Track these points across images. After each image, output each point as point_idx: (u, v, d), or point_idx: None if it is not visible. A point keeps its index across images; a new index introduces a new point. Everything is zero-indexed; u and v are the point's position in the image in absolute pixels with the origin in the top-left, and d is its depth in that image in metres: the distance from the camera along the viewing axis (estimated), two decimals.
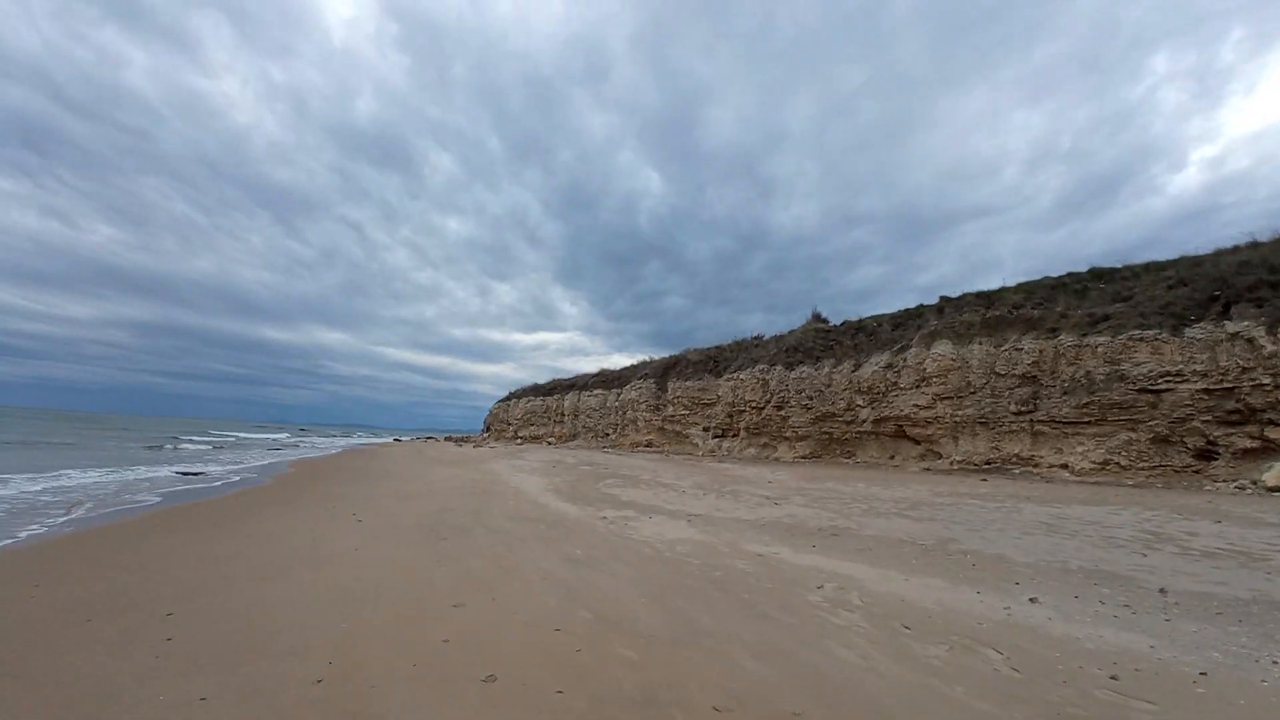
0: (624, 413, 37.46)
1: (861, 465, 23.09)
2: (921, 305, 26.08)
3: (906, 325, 25.25)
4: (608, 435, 39.46)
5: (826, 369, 26.02)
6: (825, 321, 30.05)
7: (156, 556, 7.11)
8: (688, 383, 32.77)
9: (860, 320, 27.66)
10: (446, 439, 58.09)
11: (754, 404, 28.37)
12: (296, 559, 7.04)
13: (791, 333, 29.45)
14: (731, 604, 5.36)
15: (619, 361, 45.22)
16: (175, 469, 19.28)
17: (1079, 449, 17.85)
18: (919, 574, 6.31)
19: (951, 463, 20.70)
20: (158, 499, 12.25)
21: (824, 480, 14.89)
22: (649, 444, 34.55)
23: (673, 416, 33.24)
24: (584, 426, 42.25)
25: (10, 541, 7.85)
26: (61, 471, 16.22)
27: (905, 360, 22.66)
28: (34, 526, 8.90)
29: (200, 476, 17.50)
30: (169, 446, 32.50)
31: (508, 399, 56.01)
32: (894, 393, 23.03)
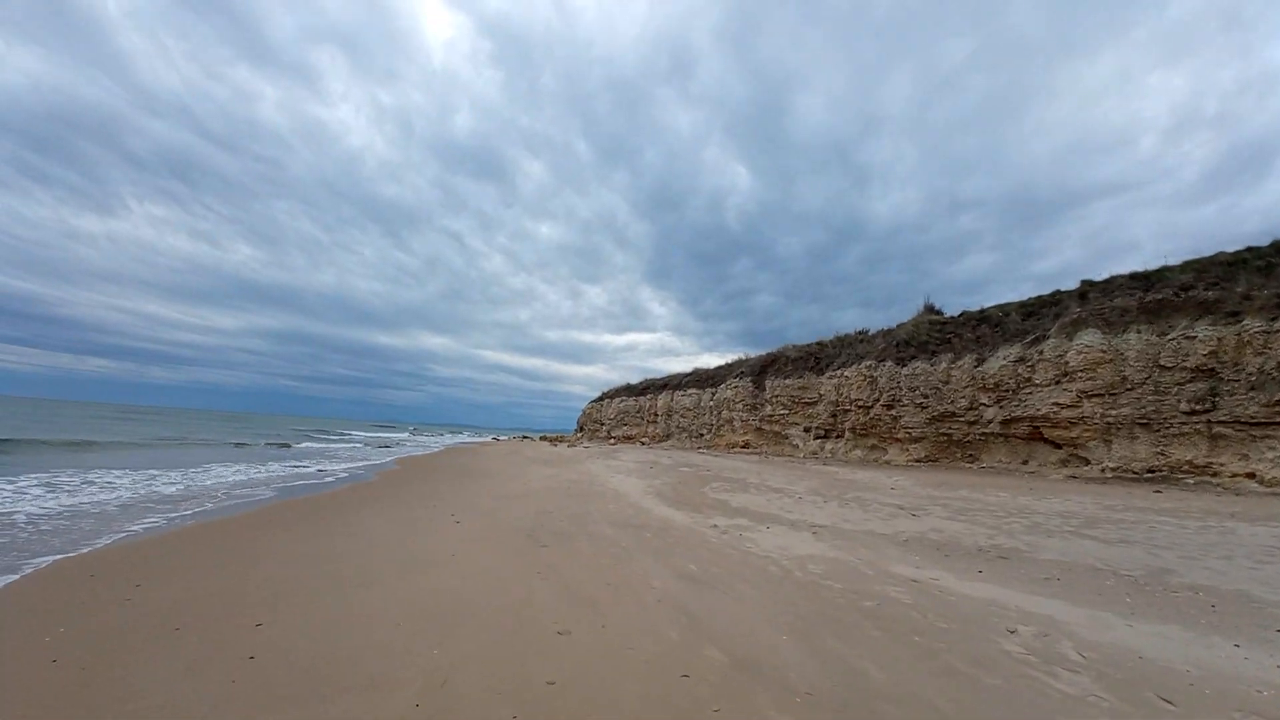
0: (719, 412, 36.20)
1: (989, 471, 20.69)
2: (1058, 291, 23.09)
3: (1040, 314, 22.44)
4: (702, 436, 38.33)
5: (944, 364, 23.63)
6: (939, 313, 27.48)
7: (258, 556, 6.85)
8: (786, 381, 31.07)
9: (982, 310, 24.94)
10: (541, 438, 59.12)
11: (861, 403, 26.33)
12: (390, 563, 6.54)
13: (902, 326, 27.11)
14: (902, 649, 4.19)
15: (709, 361, 43.88)
16: (292, 465, 20.20)
17: (1269, 455, 14.90)
18: (1143, 618, 4.83)
19: (1103, 470, 17.99)
20: (272, 494, 12.52)
21: (955, 487, 13.12)
22: (745, 445, 33.13)
23: (771, 416, 31.65)
24: (678, 426, 41.35)
25: (123, 536, 7.93)
26: (203, 466, 17.24)
27: (1041, 353, 20.04)
28: (153, 519, 9.08)
29: (317, 473, 18.12)
30: (292, 444, 34.79)
31: (600, 399, 56.14)
32: (1026, 390, 20.44)
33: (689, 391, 40.87)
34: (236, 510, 10.26)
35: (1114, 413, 18.01)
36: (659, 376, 49.06)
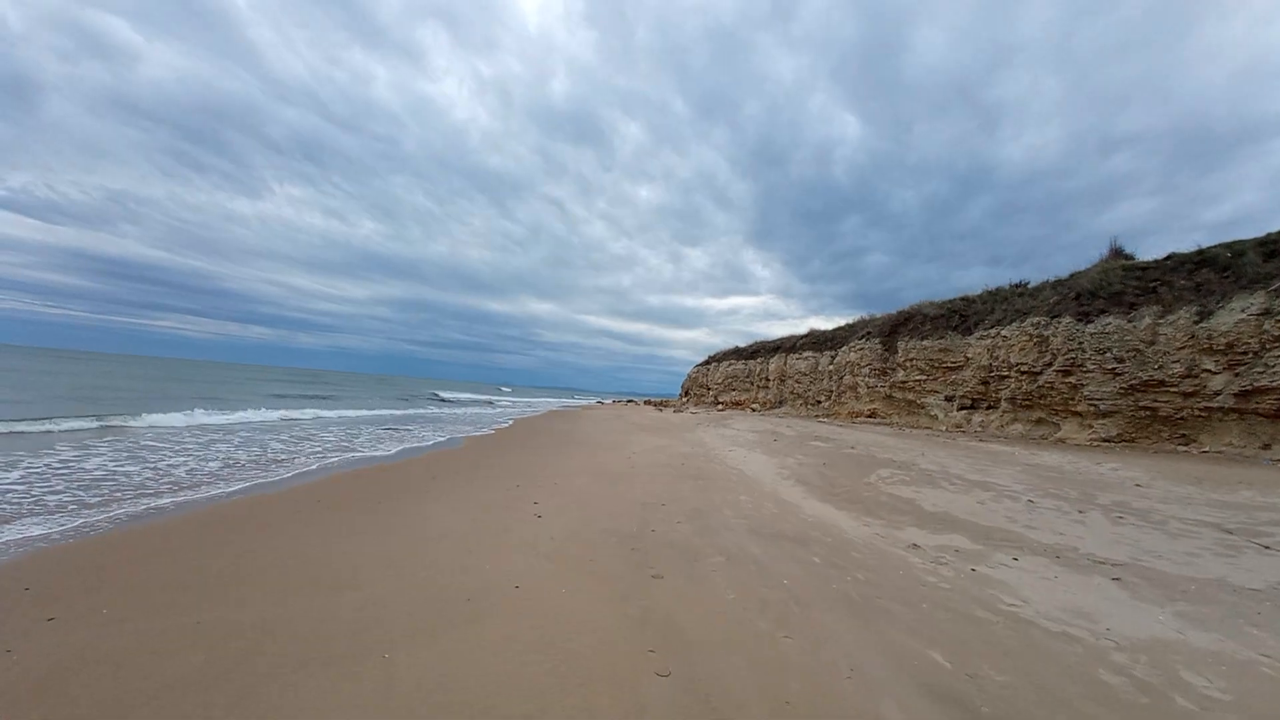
0: (840, 378, 32.18)
1: (1212, 457, 15.79)
2: None
3: None
4: (819, 403, 34.50)
5: (1148, 320, 18.49)
6: (1129, 257, 21.88)
7: (258, 569, 4.73)
8: (924, 342, 26.57)
9: (1200, 250, 19.28)
10: (646, 403, 57.37)
11: (1024, 368, 21.61)
12: (417, 602, 4.16)
13: (1084, 272, 21.85)
14: None
15: (816, 326, 39.52)
16: (378, 419, 19.14)
17: None
18: None
19: None
20: (336, 464, 10.91)
21: (1233, 486, 9.10)
22: (872, 414, 29.08)
23: (904, 382, 27.35)
24: (791, 393, 37.69)
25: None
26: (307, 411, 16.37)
27: None
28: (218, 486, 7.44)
29: (406, 430, 16.79)
30: (407, 402, 35.05)
31: (706, 363, 53.19)
32: (1274, 351, 15.22)
33: (804, 354, 36.95)
34: (283, 486, 8.54)
35: None
36: (769, 339, 45.28)
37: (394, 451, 13.01)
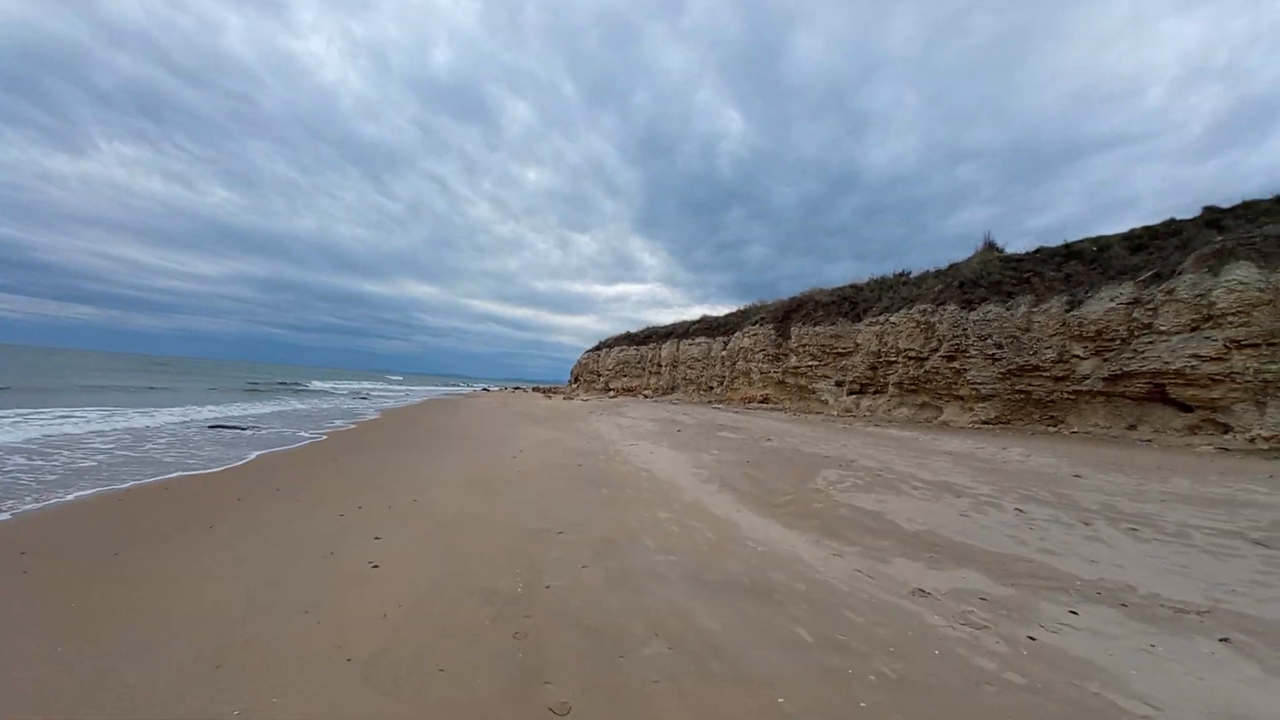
0: (733, 363, 31.65)
1: (1082, 438, 16.38)
2: (1173, 220, 18.42)
3: (1151, 247, 17.80)
4: (712, 389, 33.89)
5: (1023, 308, 19.06)
6: (1001, 250, 22.73)
7: None
8: (816, 328, 26.43)
9: (1068, 245, 20.22)
10: (534, 389, 54.66)
11: (912, 353, 21.82)
12: None
13: (965, 263, 22.38)
14: None
15: (702, 313, 39.06)
16: (211, 419, 15.40)
17: None
18: None
19: (1253, 439, 13.72)
20: (153, 468, 7.80)
21: (1163, 474, 8.68)
22: (765, 399, 28.75)
23: (796, 368, 27.13)
24: (684, 378, 36.85)
25: None
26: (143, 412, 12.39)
27: (1171, 292, 15.45)
28: None
29: (236, 430, 13.38)
30: (260, 392, 29.96)
31: (597, 348, 51.39)
32: (1144, 339, 15.96)
33: (697, 340, 36.20)
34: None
35: (1274, 367, 13.63)
36: (661, 325, 44.29)
37: (205, 459, 9.97)
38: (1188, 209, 17.94)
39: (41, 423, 12.82)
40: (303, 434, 13.75)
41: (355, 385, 52.57)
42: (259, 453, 10.54)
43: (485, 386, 71.23)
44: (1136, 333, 16.22)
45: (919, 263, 26.60)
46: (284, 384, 44.99)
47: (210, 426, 14.11)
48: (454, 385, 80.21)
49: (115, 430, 12.33)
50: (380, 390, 45.26)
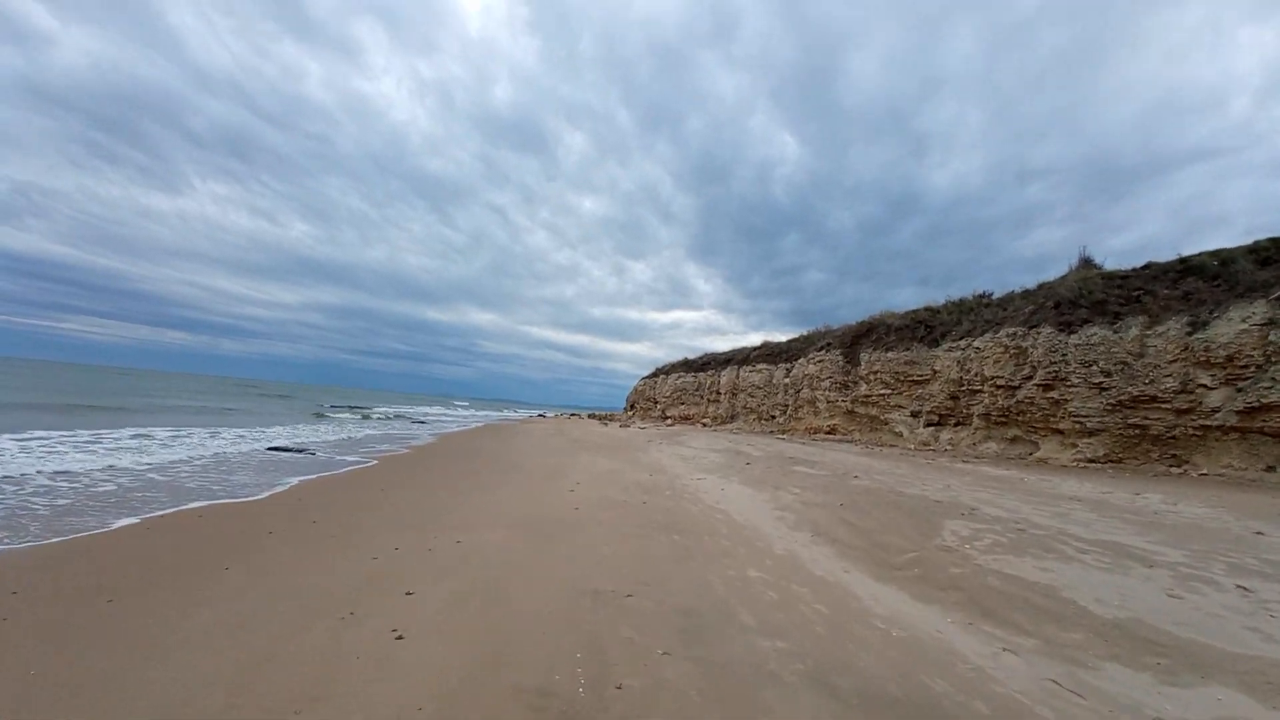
0: (797, 391, 29.98)
1: (1215, 480, 14.08)
2: None
3: None
4: (773, 418, 32.22)
5: (1135, 331, 16.90)
6: (1098, 267, 20.51)
7: None
8: (889, 354, 24.62)
9: (1184, 259, 17.97)
10: (590, 416, 54.11)
11: (1000, 381, 19.79)
12: None
13: (1061, 281, 20.31)
14: None
15: (757, 340, 37.57)
16: (272, 440, 15.21)
17: None
18: None
19: None
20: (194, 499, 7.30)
21: None
22: (832, 430, 26.94)
23: (867, 396, 25.30)
24: (744, 407, 35.31)
25: None
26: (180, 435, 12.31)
27: None
28: None
29: (292, 454, 13.05)
30: (326, 414, 30.46)
31: (653, 375, 50.43)
32: None
33: (758, 367, 34.70)
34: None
35: None
36: (719, 351, 42.99)
37: (250, 485, 9.48)
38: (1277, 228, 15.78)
39: (114, 439, 12.86)
40: (354, 459, 13.28)
41: (418, 409, 53.45)
42: (300, 479, 9.99)
43: (541, 413, 71.38)
44: (1274, 358, 13.94)
45: (986, 286, 24.57)
46: (352, 407, 46.11)
47: (269, 449, 13.86)
48: (511, 411, 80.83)
49: (175, 452, 12.15)
50: (439, 415, 45.66)
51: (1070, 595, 4.34)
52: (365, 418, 33.59)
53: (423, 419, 36.84)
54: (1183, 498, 9.95)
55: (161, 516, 6.95)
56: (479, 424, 34.53)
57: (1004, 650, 3.55)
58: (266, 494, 8.65)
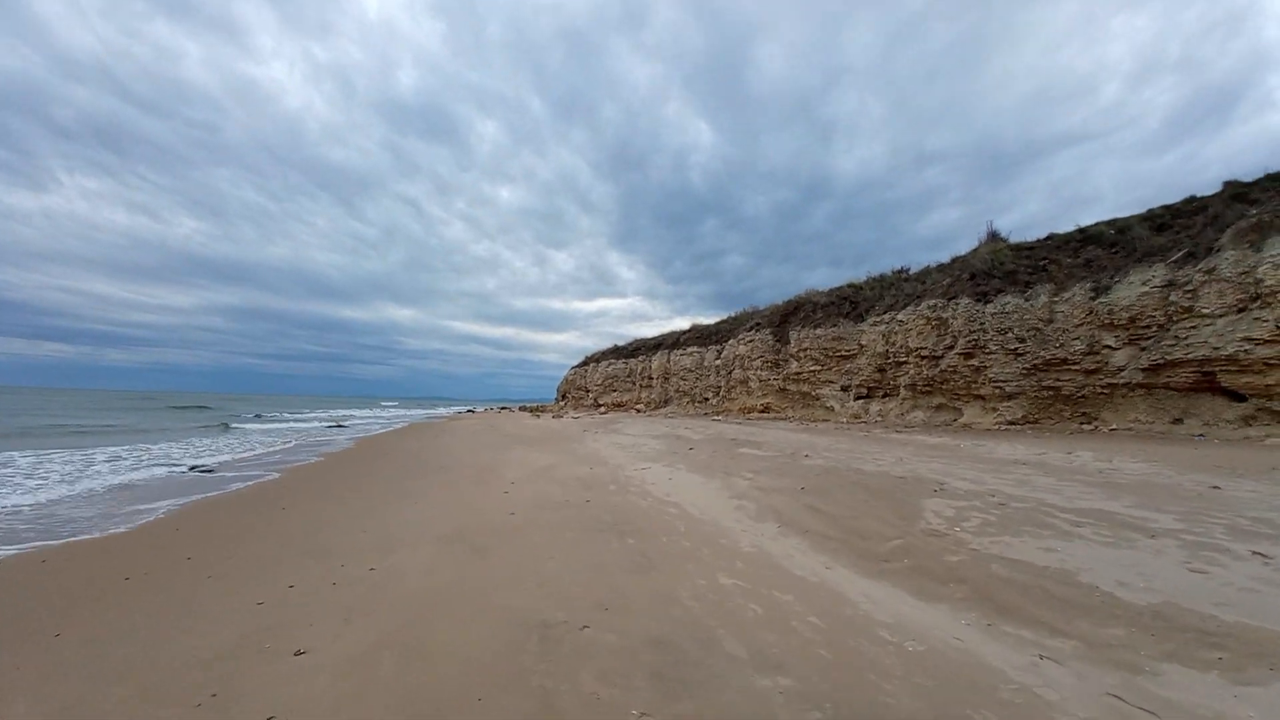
0: (729, 372, 29.88)
1: (1125, 435, 14.85)
2: (1193, 197, 17.16)
3: (1178, 226, 16.47)
4: (707, 400, 32.07)
5: (1044, 298, 17.59)
6: (1005, 240, 21.34)
7: None
8: (817, 331, 24.81)
9: (1082, 229, 18.89)
10: (521, 409, 52.46)
11: (924, 352, 20.24)
12: None
13: (974, 254, 20.94)
14: None
15: (681, 326, 37.48)
16: (160, 458, 13.18)
17: None
18: None
19: None
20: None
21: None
22: (765, 409, 27.00)
23: (798, 374, 25.44)
24: (677, 390, 34.99)
25: None
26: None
27: (1213, 272, 14.04)
28: None
29: (189, 471, 11.26)
30: (230, 424, 27.40)
31: (584, 364, 49.36)
32: (1185, 324, 14.51)
33: (689, 350, 34.43)
34: None
35: None
36: (649, 337, 42.50)
37: (115, 516, 7.93)
38: (1148, 201, 17.64)
39: None
40: (255, 473, 11.61)
41: (338, 413, 49.88)
42: (181, 502, 8.42)
43: (470, 408, 68.73)
44: (1175, 317, 14.76)
45: (892, 265, 25.46)
46: (258, 415, 42.26)
47: (149, 469, 11.92)
48: (441, 408, 77.43)
49: (35, 480, 10.08)
50: (364, 418, 42.67)
51: (1089, 579, 3.87)
52: (274, 425, 30.69)
53: (342, 423, 34.18)
54: (1114, 454, 10.17)
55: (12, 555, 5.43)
56: (403, 424, 32.37)
57: (1042, 658, 2.98)
58: (134, 525, 7.13)
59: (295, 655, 3.34)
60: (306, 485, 10.14)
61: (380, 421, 36.31)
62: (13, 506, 8.15)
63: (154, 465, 12.57)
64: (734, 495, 7.39)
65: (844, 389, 23.95)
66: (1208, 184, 17.09)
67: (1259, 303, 13.19)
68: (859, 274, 25.97)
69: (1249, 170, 16.28)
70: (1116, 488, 6.55)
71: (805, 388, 25.26)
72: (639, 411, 35.84)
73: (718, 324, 34.08)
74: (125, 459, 13.66)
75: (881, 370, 22.47)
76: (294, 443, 19.35)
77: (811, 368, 24.83)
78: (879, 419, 21.82)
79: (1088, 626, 3.39)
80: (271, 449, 17.16)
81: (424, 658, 3.28)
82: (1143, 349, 15.36)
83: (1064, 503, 5.76)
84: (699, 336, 34.61)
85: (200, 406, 54.16)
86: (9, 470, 11.35)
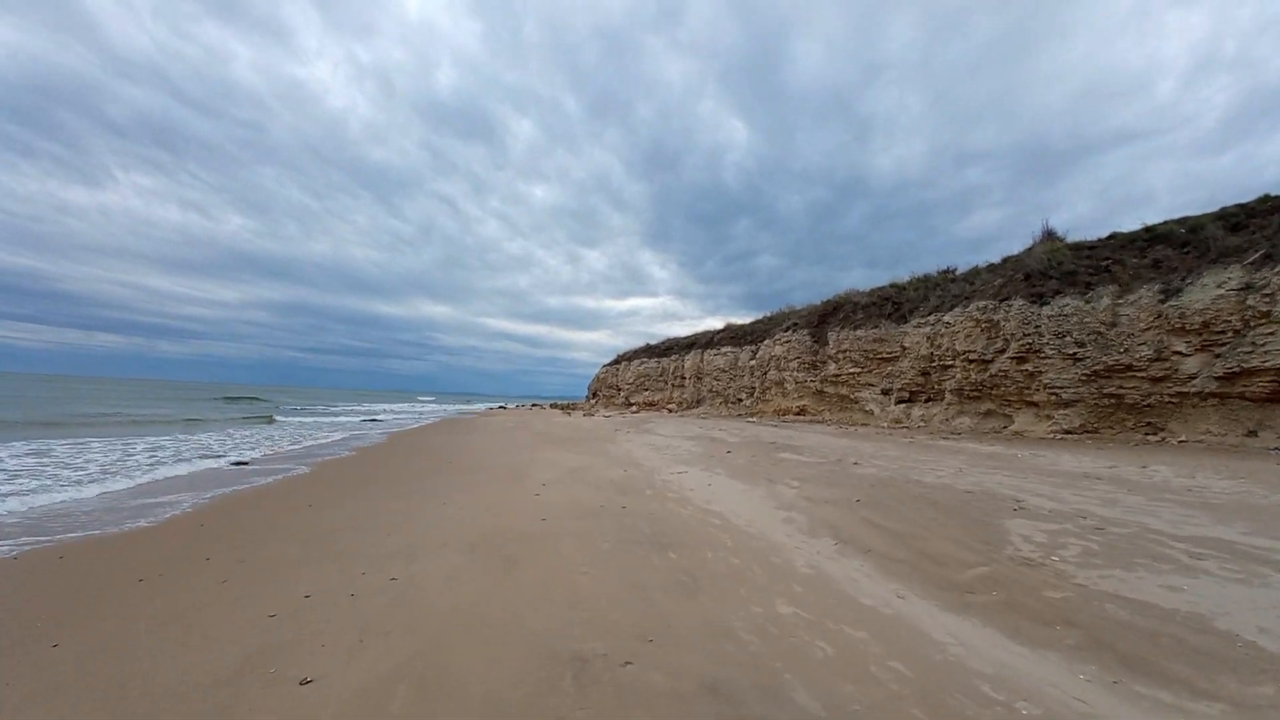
0: (764, 373, 29.09)
1: (1196, 447, 13.69)
2: (1268, 196, 15.80)
3: (1254, 226, 15.17)
4: (740, 400, 31.33)
5: (1106, 300, 16.44)
6: (1062, 239, 20.10)
7: None
8: (857, 332, 23.87)
9: (1149, 228, 17.62)
10: (552, 406, 52.45)
11: (972, 355, 19.19)
12: None
13: (1029, 253, 19.79)
14: None
15: (713, 326, 36.72)
16: (195, 449, 13.21)
17: None
18: None
19: None
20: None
21: None
22: (801, 411, 26.16)
23: (836, 376, 24.55)
24: (710, 390, 34.32)
25: None
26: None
27: None
28: None
29: (225, 462, 11.20)
30: (275, 416, 27.89)
31: (615, 362, 49.01)
32: (1262, 329, 13.31)
33: (723, 350, 33.71)
34: None
35: None
36: (681, 336, 41.89)
37: (143, 509, 7.79)
38: (1205, 204, 16.43)
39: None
40: (286, 466, 11.49)
41: (377, 406, 50.68)
42: (210, 495, 8.24)
43: (502, 405, 69.15)
44: (1253, 323, 13.56)
45: (930, 267, 24.41)
46: (298, 408, 43.12)
47: (187, 460, 11.91)
48: (476, 404, 78.22)
49: (71, 471, 10.10)
50: (400, 411, 43.15)
51: (1227, 625, 3.23)
52: (313, 419, 31.12)
53: (377, 416, 34.52)
54: (1193, 469, 9.24)
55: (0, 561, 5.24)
56: (435, 419, 32.49)
57: None
58: (159, 520, 6.93)
59: (301, 684, 2.94)
60: (337, 481, 9.92)
61: (412, 416, 36.59)
62: (63, 500, 8.09)
63: (195, 457, 12.58)
64: (781, 505, 6.82)
65: (885, 392, 22.98)
66: (1267, 185, 15.79)
67: None
68: (896, 275, 24.92)
69: None
70: (1217, 509, 5.77)
71: (844, 390, 24.35)
72: (670, 411, 35.29)
73: (752, 324, 33.29)
74: (167, 448, 13.76)
75: (925, 374, 21.46)
76: (331, 436, 19.43)
77: (851, 370, 23.91)
78: (922, 424, 20.83)
79: (1234, 685, 2.76)
80: (307, 442, 17.20)
81: (443, 693, 2.85)
82: (1217, 356, 14.16)
83: (1168, 528, 5.04)
84: (733, 336, 33.87)
85: (252, 398, 55.66)
86: (63, 460, 11.46)
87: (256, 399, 54.87)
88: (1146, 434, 15.58)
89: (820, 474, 8.71)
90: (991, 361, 18.62)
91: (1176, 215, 17.65)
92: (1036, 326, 17.40)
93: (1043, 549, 4.66)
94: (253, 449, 14.69)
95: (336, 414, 36.42)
